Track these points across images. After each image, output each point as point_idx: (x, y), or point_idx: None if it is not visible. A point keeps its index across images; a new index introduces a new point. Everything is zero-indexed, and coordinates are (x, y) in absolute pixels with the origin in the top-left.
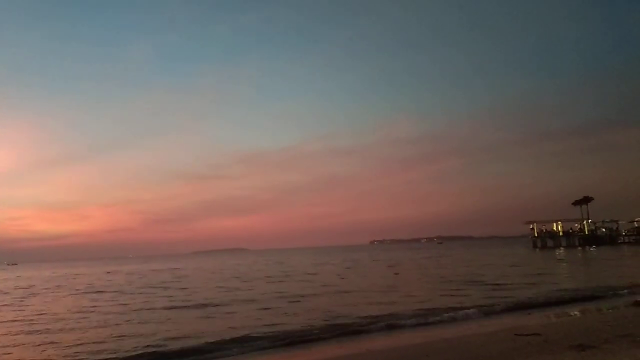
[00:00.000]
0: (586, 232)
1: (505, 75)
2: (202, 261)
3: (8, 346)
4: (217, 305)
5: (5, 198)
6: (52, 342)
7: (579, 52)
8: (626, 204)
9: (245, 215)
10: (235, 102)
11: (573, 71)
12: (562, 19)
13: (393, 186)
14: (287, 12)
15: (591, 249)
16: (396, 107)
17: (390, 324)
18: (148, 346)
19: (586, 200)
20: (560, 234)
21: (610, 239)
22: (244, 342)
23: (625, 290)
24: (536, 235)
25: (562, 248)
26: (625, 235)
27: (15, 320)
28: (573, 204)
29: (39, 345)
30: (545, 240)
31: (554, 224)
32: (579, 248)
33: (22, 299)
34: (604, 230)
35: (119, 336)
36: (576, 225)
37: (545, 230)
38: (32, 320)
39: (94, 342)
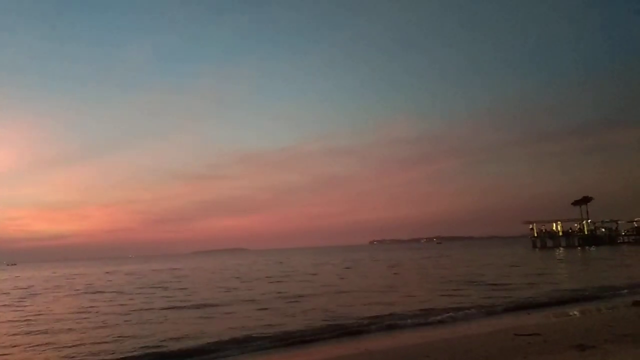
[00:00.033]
0: (585, 232)
1: (504, 76)
2: (201, 261)
3: (6, 347)
4: (216, 305)
5: (5, 198)
6: (50, 343)
7: (578, 53)
8: (625, 204)
9: (245, 215)
10: (235, 103)
11: (572, 71)
12: (561, 20)
13: (392, 186)
14: (287, 13)
15: (590, 249)
16: (395, 107)
17: (390, 324)
18: (147, 347)
19: (585, 200)
20: (560, 234)
21: (609, 239)
22: (244, 343)
23: (625, 290)
24: (536, 235)
25: (561, 248)
26: (625, 235)
27: (14, 321)
28: (572, 204)
29: (37, 346)
30: (545, 240)
31: (554, 224)
32: (579, 248)
33: (21, 300)
34: (603, 230)
35: (118, 337)
36: (576, 225)
37: (545, 230)
38: (30, 320)
39: (93, 343)
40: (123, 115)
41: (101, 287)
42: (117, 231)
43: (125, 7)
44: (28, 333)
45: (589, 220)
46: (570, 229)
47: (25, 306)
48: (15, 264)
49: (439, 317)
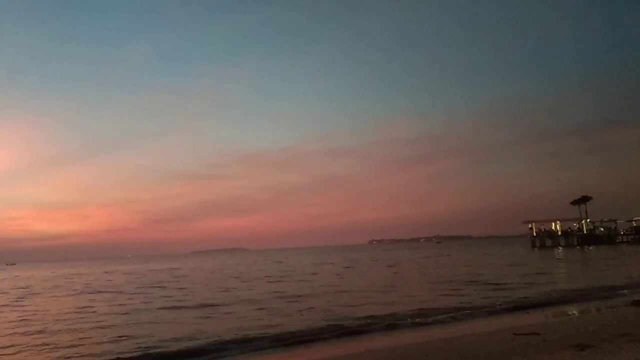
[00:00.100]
0: (585, 232)
1: (504, 76)
2: (201, 261)
3: (4, 347)
4: (216, 305)
5: (5, 198)
6: (48, 344)
7: (578, 52)
8: (625, 204)
9: (245, 215)
10: (235, 103)
11: (572, 71)
12: (561, 19)
13: (392, 186)
14: (287, 13)
15: (589, 249)
16: (395, 107)
17: (389, 323)
18: (146, 347)
19: (585, 199)
20: (559, 233)
21: (608, 239)
22: (244, 343)
23: (624, 290)
24: (535, 234)
25: (560, 247)
26: (624, 234)
27: (12, 321)
28: (572, 203)
29: (35, 346)
30: (544, 240)
31: (553, 224)
32: (578, 247)
33: (20, 299)
34: (602, 229)
35: (117, 337)
36: (575, 224)
37: (544, 229)
38: (28, 320)
39: (91, 344)
40: (123, 115)
41: (100, 287)
42: (117, 231)
43: (125, 7)
44: (26, 333)
45: (588, 220)
46: (569, 228)
47: (23, 306)
48: (14, 264)
49: (438, 317)
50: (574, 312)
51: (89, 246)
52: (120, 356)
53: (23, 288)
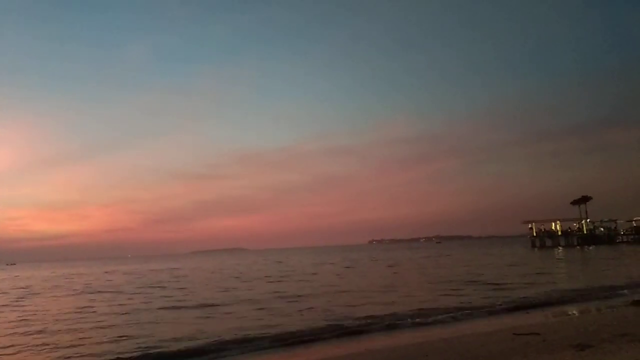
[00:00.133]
0: (584, 232)
1: (503, 75)
2: (200, 261)
3: (3, 347)
4: (216, 305)
5: (4, 198)
6: (48, 344)
7: (577, 52)
8: (624, 204)
9: (244, 215)
10: (234, 102)
11: (571, 71)
12: (561, 19)
13: (391, 186)
14: (287, 13)
15: (589, 249)
16: (395, 107)
17: (389, 323)
18: (146, 347)
19: (584, 199)
20: (559, 233)
21: (608, 238)
22: (243, 343)
23: (624, 290)
24: (535, 234)
25: (560, 247)
26: (624, 234)
27: (12, 321)
28: (571, 203)
29: (35, 346)
30: (544, 240)
31: (553, 224)
32: (578, 247)
33: (20, 299)
34: (602, 229)
35: (117, 337)
36: (575, 224)
37: (544, 229)
38: (28, 320)
39: (91, 344)
40: (123, 115)
41: (100, 286)
42: (117, 231)
43: (125, 7)
44: (26, 333)
45: (588, 220)
46: (569, 228)
47: (23, 306)
48: (14, 264)
49: (438, 317)
50: (574, 312)
51: (88, 246)
52: (120, 356)
53: (23, 288)
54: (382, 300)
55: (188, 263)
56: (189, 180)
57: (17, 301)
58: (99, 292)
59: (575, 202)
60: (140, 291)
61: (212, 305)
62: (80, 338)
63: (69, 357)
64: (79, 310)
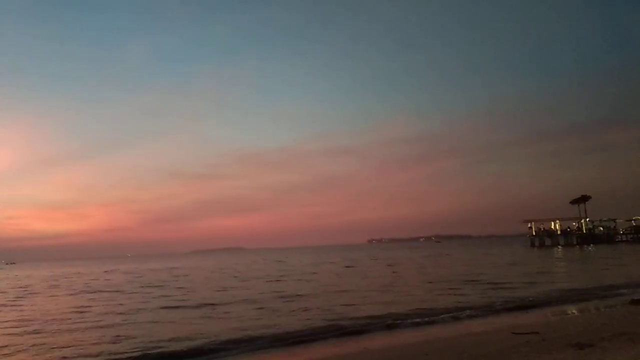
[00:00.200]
0: (584, 231)
1: (503, 75)
2: (200, 260)
3: (1, 347)
4: (215, 305)
5: (4, 197)
6: (47, 343)
7: (577, 52)
8: (624, 203)
9: (244, 215)
10: (234, 102)
11: (571, 71)
12: (561, 19)
13: (391, 186)
14: (287, 13)
15: (589, 248)
16: (395, 107)
17: (389, 323)
18: (146, 347)
19: (584, 199)
20: (558, 232)
21: (607, 238)
22: (243, 342)
23: (623, 289)
24: (534, 234)
25: (560, 247)
26: (623, 234)
27: (10, 321)
28: (571, 202)
29: (33, 346)
30: (543, 239)
31: (552, 223)
32: (577, 247)
33: (19, 299)
34: (601, 229)
35: (116, 337)
36: (574, 224)
37: (543, 229)
38: (26, 320)
39: (90, 343)
40: (123, 115)
41: (99, 286)
42: (116, 230)
43: (125, 7)
44: (23, 334)
45: (587, 219)
46: (569, 227)
47: (22, 305)
48: (14, 263)
49: (438, 317)
50: (573, 311)
51: (88, 246)
52: (120, 356)
53: (22, 287)
54: (381, 299)
55: (188, 262)
56: (189, 180)
57: (16, 300)
58: (99, 291)
59: (575, 202)
60: (140, 291)
61: (212, 304)
62: (79, 338)
63: (68, 357)
64: (78, 310)
